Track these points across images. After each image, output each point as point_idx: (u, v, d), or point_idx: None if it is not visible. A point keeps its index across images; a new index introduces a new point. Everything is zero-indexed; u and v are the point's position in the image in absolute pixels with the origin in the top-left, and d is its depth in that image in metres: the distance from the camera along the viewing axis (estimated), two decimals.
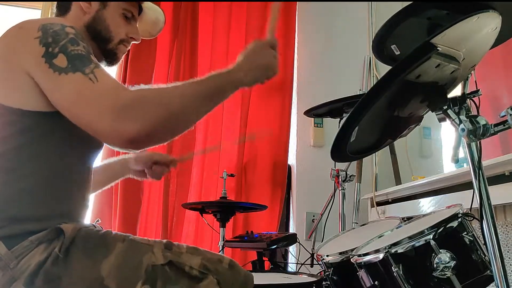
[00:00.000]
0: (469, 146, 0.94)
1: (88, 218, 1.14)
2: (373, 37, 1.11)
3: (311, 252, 2.26)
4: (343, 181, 2.14)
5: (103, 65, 1.16)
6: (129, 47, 1.18)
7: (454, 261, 1.06)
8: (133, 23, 1.16)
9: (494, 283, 0.93)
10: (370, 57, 2.91)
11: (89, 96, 0.86)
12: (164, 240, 0.98)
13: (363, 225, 1.83)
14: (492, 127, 0.91)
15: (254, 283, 1.01)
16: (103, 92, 0.87)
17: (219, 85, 0.97)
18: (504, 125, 0.90)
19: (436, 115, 0.98)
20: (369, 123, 1.00)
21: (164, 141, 0.93)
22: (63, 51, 0.88)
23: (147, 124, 0.85)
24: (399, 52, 1.09)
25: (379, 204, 2.45)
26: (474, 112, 0.97)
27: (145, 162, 1.37)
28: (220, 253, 1.02)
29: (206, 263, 0.94)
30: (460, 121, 0.91)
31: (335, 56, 2.94)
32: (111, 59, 1.14)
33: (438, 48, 0.83)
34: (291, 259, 2.63)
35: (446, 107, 0.94)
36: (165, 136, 0.92)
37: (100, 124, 0.85)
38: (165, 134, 0.91)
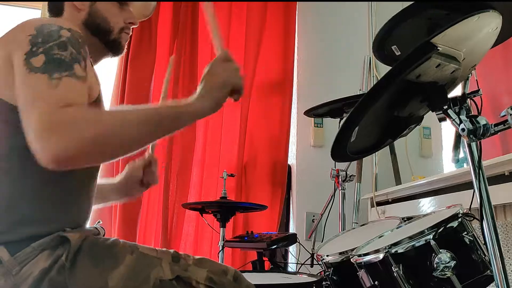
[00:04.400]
0: (469, 146, 0.94)
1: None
2: (373, 37, 1.11)
3: (311, 252, 2.26)
4: (343, 181, 2.14)
5: (108, 57, 1.16)
6: (131, 33, 1.18)
7: (454, 261, 1.06)
8: (127, 8, 1.15)
9: (494, 283, 0.93)
10: (370, 57, 2.91)
11: (37, 100, 0.82)
12: (172, 251, 0.98)
13: (363, 225, 1.83)
14: (492, 127, 0.91)
15: (254, 283, 1.02)
16: (47, 101, 0.82)
17: (171, 115, 0.94)
18: (504, 125, 0.90)
19: (436, 115, 0.97)
20: (369, 123, 1.00)
21: (96, 163, 0.89)
22: (46, 53, 0.86)
23: (72, 146, 0.79)
24: (399, 53, 1.09)
25: (379, 204, 2.45)
26: (474, 112, 0.97)
27: (136, 175, 1.29)
28: (224, 264, 1.02)
29: (211, 275, 0.95)
30: (461, 121, 0.91)
31: (335, 56, 2.95)
32: (116, 49, 1.14)
33: (438, 48, 0.83)
34: (291, 259, 2.63)
35: (446, 107, 0.94)
36: (95, 159, 0.88)
37: (30, 135, 0.80)
38: (94, 157, 0.86)
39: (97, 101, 0.99)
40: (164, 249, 0.99)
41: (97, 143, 0.82)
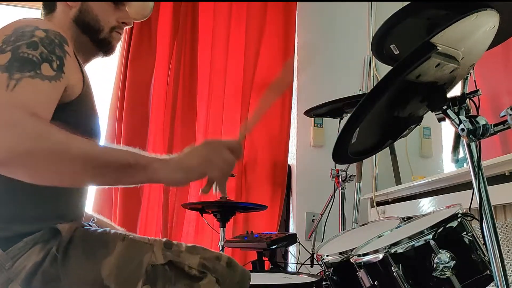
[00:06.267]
0: (468, 146, 0.94)
1: (87, 219, 1.13)
2: (373, 37, 1.11)
3: (311, 252, 2.26)
4: (343, 181, 2.13)
5: (99, 57, 1.14)
6: (123, 33, 1.16)
7: (454, 261, 1.06)
8: (122, 7, 1.13)
9: (494, 283, 0.93)
10: (370, 57, 2.91)
11: None
12: (164, 239, 0.98)
13: (363, 225, 1.83)
14: (492, 127, 0.91)
15: (254, 283, 1.02)
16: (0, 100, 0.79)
17: (124, 167, 0.84)
18: (504, 125, 0.90)
19: (436, 115, 0.97)
20: (370, 124, 1.00)
21: (24, 178, 0.81)
22: (13, 50, 0.85)
23: (5, 149, 0.75)
24: (398, 52, 1.09)
25: (379, 204, 2.45)
26: (473, 112, 0.97)
27: None
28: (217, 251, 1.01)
29: (204, 262, 0.94)
30: (460, 121, 0.91)
31: (335, 56, 2.95)
32: (106, 49, 1.13)
33: (437, 48, 0.83)
34: (291, 259, 2.63)
35: (446, 107, 0.94)
36: (25, 173, 0.80)
37: None
38: (25, 170, 0.79)
39: (79, 98, 0.97)
40: (156, 238, 0.98)
41: (32, 159, 0.76)
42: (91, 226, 1.02)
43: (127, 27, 1.16)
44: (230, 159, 0.91)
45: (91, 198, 2.46)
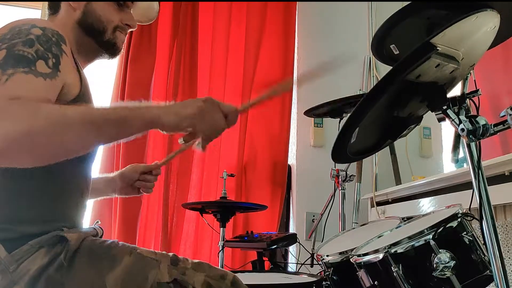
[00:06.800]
0: (468, 146, 0.94)
1: (88, 219, 1.13)
2: (373, 37, 1.11)
3: (311, 252, 2.26)
4: (343, 181, 2.13)
5: (105, 59, 1.15)
6: (127, 35, 1.16)
7: (454, 261, 1.06)
8: (127, 10, 1.14)
9: (494, 283, 0.93)
10: (370, 57, 2.91)
11: None
12: (171, 254, 0.98)
13: (363, 225, 1.83)
14: (492, 127, 0.91)
15: (254, 283, 1.02)
16: None
17: (121, 118, 0.85)
18: (503, 125, 0.90)
19: (436, 115, 0.97)
20: (369, 124, 1.00)
21: (26, 161, 0.80)
22: (8, 48, 0.85)
23: (1, 135, 0.73)
24: (398, 52, 1.09)
25: (379, 204, 2.45)
26: (473, 112, 0.97)
27: (131, 175, 1.31)
28: (223, 269, 1.01)
29: (209, 280, 0.95)
30: (460, 121, 0.91)
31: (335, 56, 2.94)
32: (112, 50, 1.13)
33: (437, 48, 0.83)
34: (291, 259, 2.63)
35: (446, 107, 0.94)
36: (25, 156, 0.78)
37: None
38: (24, 153, 0.77)
39: (77, 99, 0.96)
40: (163, 252, 0.99)
41: (30, 138, 0.75)
42: (98, 233, 1.02)
43: (131, 29, 1.16)
44: (221, 122, 0.94)
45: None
